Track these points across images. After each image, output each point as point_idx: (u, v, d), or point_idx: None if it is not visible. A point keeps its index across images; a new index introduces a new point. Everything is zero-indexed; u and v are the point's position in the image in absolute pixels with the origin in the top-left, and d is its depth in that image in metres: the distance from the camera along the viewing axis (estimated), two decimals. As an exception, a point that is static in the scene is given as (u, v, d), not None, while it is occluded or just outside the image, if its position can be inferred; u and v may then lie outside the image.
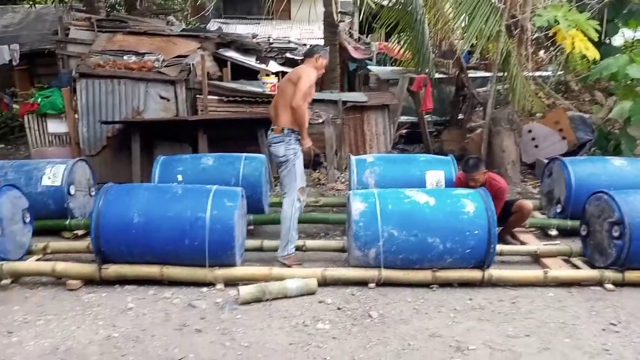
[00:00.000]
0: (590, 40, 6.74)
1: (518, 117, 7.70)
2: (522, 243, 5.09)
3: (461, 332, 3.48)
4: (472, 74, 9.94)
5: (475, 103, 9.07)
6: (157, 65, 8.02)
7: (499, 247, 4.52)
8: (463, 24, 7.90)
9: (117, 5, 15.40)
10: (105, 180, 5.45)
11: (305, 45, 13.91)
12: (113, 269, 4.14)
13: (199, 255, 4.09)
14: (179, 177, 5.35)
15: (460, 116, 9.53)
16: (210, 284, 4.12)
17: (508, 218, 5.11)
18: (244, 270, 4.22)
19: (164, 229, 4.10)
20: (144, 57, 8.30)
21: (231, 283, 4.12)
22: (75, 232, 5.41)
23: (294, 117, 4.53)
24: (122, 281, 4.16)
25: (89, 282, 4.16)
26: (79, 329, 3.47)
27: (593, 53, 6.74)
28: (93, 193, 5.86)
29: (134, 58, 8.25)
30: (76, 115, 7.74)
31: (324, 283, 4.11)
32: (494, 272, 4.20)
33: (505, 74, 7.51)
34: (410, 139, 9.64)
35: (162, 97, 7.78)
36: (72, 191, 5.47)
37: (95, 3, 11.77)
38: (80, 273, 4.15)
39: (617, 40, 10.15)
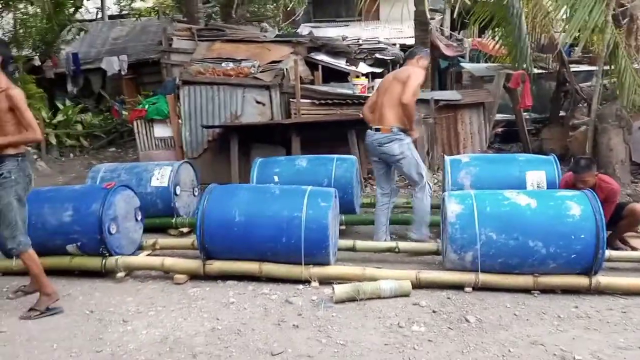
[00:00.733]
0: None
1: (627, 113, 7.16)
2: (634, 249, 4.74)
3: (566, 341, 3.30)
4: (574, 68, 9.38)
5: (579, 99, 8.56)
6: (253, 71, 8.36)
7: (608, 253, 4.23)
8: (564, 16, 7.49)
9: (213, 15, 16.23)
10: (206, 181, 5.80)
11: (394, 45, 13.85)
12: (216, 265, 4.37)
13: (295, 253, 4.22)
14: (276, 178, 5.55)
15: (562, 113, 9.04)
16: (305, 281, 4.23)
17: (618, 222, 4.77)
18: (338, 269, 4.29)
19: (263, 228, 4.27)
20: (241, 64, 8.69)
21: (325, 281, 4.21)
22: (181, 229, 5.78)
23: (405, 113, 4.72)
24: (224, 277, 4.39)
25: (194, 277, 4.42)
26: (186, 321, 3.70)
27: None
28: (196, 193, 6.24)
29: (231, 65, 8.67)
30: (179, 120, 8.26)
31: (417, 285, 4.07)
32: (602, 279, 3.95)
33: (613, 67, 7.03)
34: (507, 138, 9.30)
35: (257, 102, 8.10)
36: (178, 191, 5.86)
37: (195, 14, 12.47)
38: (186, 268, 4.43)
39: None
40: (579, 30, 7.17)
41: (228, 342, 3.40)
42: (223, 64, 8.74)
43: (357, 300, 3.89)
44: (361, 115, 5.41)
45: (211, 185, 4.62)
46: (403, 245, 4.75)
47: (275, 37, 10.23)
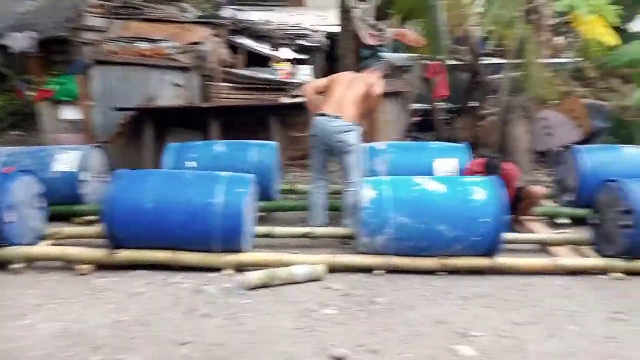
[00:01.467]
0: (611, 26, 6.62)
1: (532, 105, 7.60)
2: (532, 231, 5.06)
3: (468, 318, 3.48)
4: (486, 60, 9.81)
5: (489, 90, 8.96)
6: (171, 52, 8.05)
7: (508, 235, 4.50)
8: (479, 10, 7.81)
9: (132, -8, 15.41)
10: (118, 166, 5.51)
11: (319, 32, 13.84)
12: (125, 254, 4.20)
13: (209, 240, 4.14)
14: (191, 164, 5.40)
15: (474, 104, 9.43)
16: (219, 269, 4.17)
17: (518, 205, 5.08)
18: (253, 255, 4.26)
19: (175, 214, 4.15)
20: (158, 44, 8.34)
21: (240, 269, 4.16)
22: (88, 218, 5.49)
23: (370, 114, 5.06)
24: (134, 266, 4.23)
25: (101, 267, 4.23)
26: (90, 313, 3.53)
27: (612, 39, 6.62)
28: (106, 179, 5.94)
29: (148, 45, 8.29)
30: (90, 102, 7.82)
31: (332, 269, 4.13)
32: (503, 260, 4.19)
33: (521, 60, 7.42)
34: (424, 127, 9.57)
35: (175, 84, 7.82)
36: (85, 177, 5.56)
37: (110, -10, 11.79)
38: (92, 258, 4.21)
39: (637, 27, 9.91)
40: (493, 24, 7.52)
41: (134, 333, 3.29)
42: (139, 44, 8.35)
43: (270, 286, 3.89)
44: (301, 99, 5.44)
45: (120, 170, 4.42)
46: (318, 230, 4.78)
47: (196, 17, 9.90)
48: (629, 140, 6.91)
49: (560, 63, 9.66)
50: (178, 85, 7.78)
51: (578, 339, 3.25)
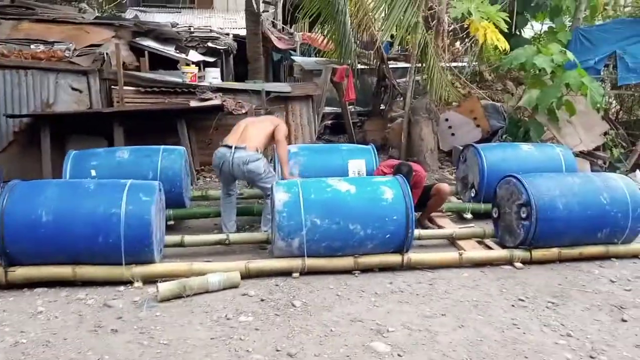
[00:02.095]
0: (501, 31, 7.09)
1: (435, 107, 7.97)
2: (440, 227, 5.30)
3: (381, 315, 3.56)
4: (392, 65, 10.18)
5: (396, 93, 9.31)
6: (67, 55, 7.57)
7: (417, 232, 4.68)
8: (383, 15, 8.07)
9: (24, -9, 14.35)
10: (13, 178, 5.08)
11: (228, 34, 13.69)
12: (20, 272, 3.87)
13: (115, 252, 3.91)
14: (93, 172, 5.09)
15: (382, 106, 9.75)
16: (127, 282, 3.96)
17: (427, 202, 5.29)
18: (163, 266, 4.09)
19: (76, 227, 3.88)
20: (54, 46, 7.82)
21: (150, 280, 3.98)
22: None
23: (280, 151, 5.04)
24: (32, 284, 3.91)
25: (-6, 287, 3.87)
26: (-18, 338, 3.22)
27: (503, 44, 7.10)
28: (-2, 192, 5.45)
29: (42, 47, 7.76)
30: (-23, 109, 7.15)
31: (247, 275, 4.07)
32: (413, 255, 4.34)
33: (424, 64, 7.76)
34: (336, 130, 9.76)
35: (73, 89, 7.36)
36: (-27, 190, 5.06)
37: (-2, -13, 10.91)
38: (-17, 278, 3.85)
39: (527, 32, 10.74)
40: (395, 29, 7.80)
41: (34, 356, 3.04)
42: (32, 46, 7.78)
43: (183, 296, 3.75)
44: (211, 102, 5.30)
45: (12, 182, 4.07)
46: (233, 236, 4.69)
47: (95, 18, 9.41)
48: (524, 138, 7.45)
49: (460, 66, 10.24)
50: (77, 89, 7.32)
51: (484, 327, 3.43)
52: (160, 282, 3.86)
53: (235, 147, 4.80)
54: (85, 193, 4.05)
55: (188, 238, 4.61)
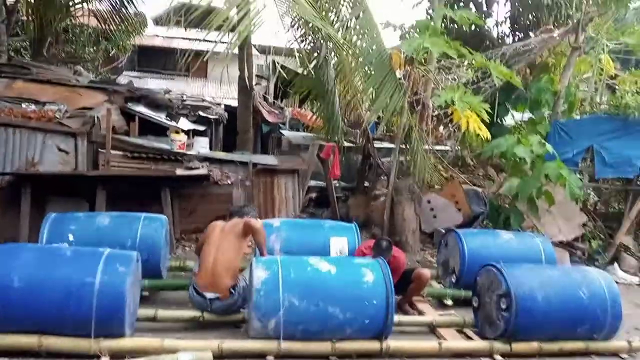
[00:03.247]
0: (483, 120, 7.35)
1: (418, 188, 8.09)
2: (420, 312, 5.22)
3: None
4: (377, 144, 10.42)
5: (380, 172, 9.46)
6: (58, 116, 7.63)
7: (397, 318, 4.60)
8: (371, 97, 8.36)
9: (22, 50, 14.66)
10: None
11: (219, 104, 13.98)
12: (-19, 340, 3.69)
13: (85, 323, 3.77)
14: (70, 237, 4.99)
15: (366, 184, 9.87)
16: (95, 356, 3.78)
17: (407, 287, 5.24)
18: (134, 341, 3.92)
19: (47, 294, 3.76)
20: (45, 107, 7.89)
21: (119, 355, 3.80)
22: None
23: (257, 236, 4.73)
24: (-3, 353, 3.72)
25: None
26: None
27: (484, 133, 7.34)
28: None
29: (33, 107, 7.82)
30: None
31: (220, 356, 3.92)
32: (392, 342, 4.24)
33: (408, 146, 7.95)
34: (320, 203, 9.78)
35: (60, 150, 7.35)
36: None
37: (-3, 46, 11.14)
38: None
39: (509, 121, 11.16)
40: (382, 111, 8.06)
41: None
42: (23, 105, 7.85)
43: (151, 375, 3.58)
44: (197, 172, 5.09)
45: (-16, 245, 3.97)
46: (208, 315, 4.53)
47: (89, 82, 9.58)
48: (505, 224, 7.54)
49: (442, 150, 10.52)
50: (64, 151, 7.32)
51: None
52: (128, 358, 3.71)
53: (209, 300, 4.49)
54: (61, 260, 3.96)
55: (162, 312, 4.46)
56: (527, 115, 9.92)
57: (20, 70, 9.13)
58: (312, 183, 9.65)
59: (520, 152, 7.20)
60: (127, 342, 3.89)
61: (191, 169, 7.55)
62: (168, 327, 4.46)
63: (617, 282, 5.35)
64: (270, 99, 15.68)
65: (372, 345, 4.19)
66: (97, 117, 7.82)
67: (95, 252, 4.06)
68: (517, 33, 12.59)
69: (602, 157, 8.20)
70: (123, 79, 13.83)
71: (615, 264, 7.77)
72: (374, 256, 5.02)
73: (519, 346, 4.40)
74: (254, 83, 11.76)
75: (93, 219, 5.37)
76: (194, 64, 11.57)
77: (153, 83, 15.44)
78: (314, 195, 9.45)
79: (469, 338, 4.69)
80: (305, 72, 9.30)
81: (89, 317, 3.76)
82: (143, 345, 3.88)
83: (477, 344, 4.49)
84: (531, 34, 11.48)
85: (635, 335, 5.02)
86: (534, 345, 4.44)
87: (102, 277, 3.84)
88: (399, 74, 8.31)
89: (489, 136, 7.49)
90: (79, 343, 3.78)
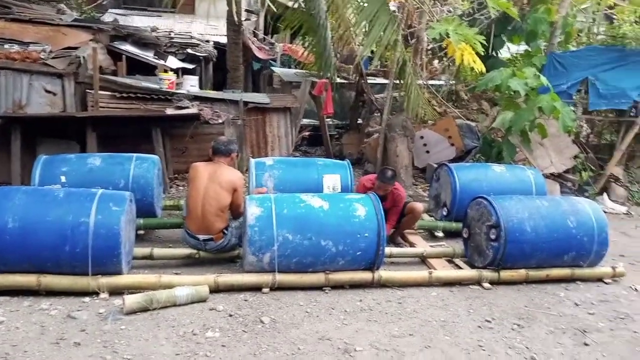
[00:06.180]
0: (478, 53, 7.20)
1: (411, 124, 8.05)
2: (412, 244, 5.34)
3: (350, 334, 3.57)
4: (371, 80, 10.26)
5: (374, 109, 9.38)
6: (43, 57, 7.44)
7: (389, 249, 4.71)
8: (364, 31, 8.14)
9: (0, -12, 14.07)
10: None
11: (208, 41, 13.60)
12: (-20, 280, 3.77)
13: (82, 262, 3.84)
14: (62, 179, 4.99)
15: (360, 121, 9.81)
16: (93, 293, 3.88)
17: (401, 219, 5.34)
18: (131, 278, 4.01)
19: (42, 235, 3.80)
20: (29, 47, 7.68)
21: (117, 292, 3.91)
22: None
23: (237, 216, 4.65)
24: (-7, 293, 3.81)
25: (-48, 294, 3.76)
26: (-64, 349, 3.12)
27: (479, 66, 7.22)
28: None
29: (16, 47, 7.61)
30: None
31: (216, 290, 4.03)
32: (383, 273, 4.36)
33: (402, 81, 7.84)
34: (313, 142, 9.77)
35: (47, 91, 7.22)
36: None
37: (-27, -16, 10.67)
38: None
39: (504, 54, 10.95)
40: (375, 45, 7.87)
41: (-10, 369, 2.95)
42: (6, 46, 7.63)
43: (150, 309, 3.69)
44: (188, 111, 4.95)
45: (-24, 187, 3.97)
46: (203, 252, 4.63)
47: (73, 20, 9.27)
48: (497, 158, 7.57)
49: (437, 85, 10.39)
50: (51, 92, 7.19)
51: (450, 348, 3.47)
52: (126, 294, 3.81)
53: (203, 241, 4.56)
54: (54, 201, 3.96)
55: (157, 251, 4.54)
56: (523, 47, 9.71)
57: (1, 10, 8.80)
58: (305, 122, 9.58)
59: (515, 85, 7.09)
60: (124, 279, 3.98)
61: (181, 108, 7.45)
62: (164, 264, 4.57)
63: (605, 212, 5.46)
64: (261, 34, 15.26)
65: (364, 275, 4.31)
66: (83, 57, 7.64)
67: (88, 193, 4.07)
68: (515, -39, 12.11)
69: (596, 88, 8.13)
70: (108, 17, 13.33)
71: (605, 194, 7.89)
72: (378, 186, 5.08)
73: (506, 274, 4.55)
74: (243, 18, 11.40)
75: (84, 160, 5.34)
76: (183, 0, 11.11)
77: (139, 21, 14.90)
78: (306, 134, 9.40)
79: (459, 267, 4.82)
80: (295, 5, 8.99)
81: (85, 257, 3.82)
82: (140, 281, 3.97)
83: (467, 272, 4.62)
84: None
85: (619, 262, 5.17)
86: (521, 273, 4.58)
87: (96, 216, 3.88)
88: (392, 5, 8.07)
89: (484, 69, 7.37)
90: (78, 281, 3.87)
